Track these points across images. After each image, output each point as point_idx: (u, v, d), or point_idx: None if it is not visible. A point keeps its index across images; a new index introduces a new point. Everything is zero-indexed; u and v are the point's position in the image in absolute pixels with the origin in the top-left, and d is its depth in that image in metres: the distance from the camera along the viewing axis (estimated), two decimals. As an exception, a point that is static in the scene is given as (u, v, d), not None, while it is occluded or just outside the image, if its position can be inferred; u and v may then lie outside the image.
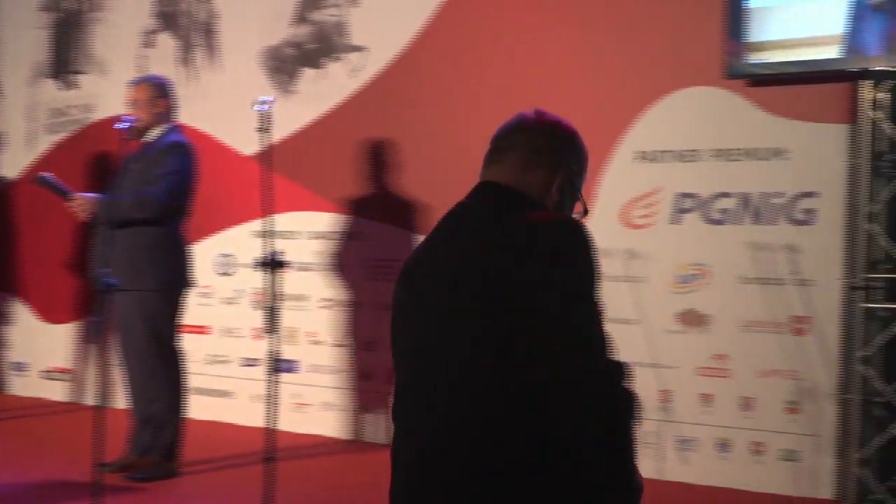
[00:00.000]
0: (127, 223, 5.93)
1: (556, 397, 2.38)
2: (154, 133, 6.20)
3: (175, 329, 6.20)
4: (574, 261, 2.47)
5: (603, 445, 2.43)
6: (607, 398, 2.43)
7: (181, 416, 6.19)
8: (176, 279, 6.20)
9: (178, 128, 6.33)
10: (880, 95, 5.70)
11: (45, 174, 6.16)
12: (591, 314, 2.47)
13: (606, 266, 6.36)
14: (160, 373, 6.12)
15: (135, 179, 6.04)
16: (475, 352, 2.44)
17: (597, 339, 2.45)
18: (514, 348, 2.40)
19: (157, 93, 6.26)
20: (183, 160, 6.15)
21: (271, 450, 4.97)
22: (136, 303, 6.00)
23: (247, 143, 7.43)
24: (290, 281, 7.52)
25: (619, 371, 2.49)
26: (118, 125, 5.54)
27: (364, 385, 7.36)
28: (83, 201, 6.00)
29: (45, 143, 9.12)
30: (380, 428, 7.26)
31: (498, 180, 2.72)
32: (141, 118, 6.11)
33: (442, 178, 7.06)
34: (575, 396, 2.39)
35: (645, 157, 6.38)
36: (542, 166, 2.71)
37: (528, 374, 2.39)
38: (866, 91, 5.68)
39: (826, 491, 5.85)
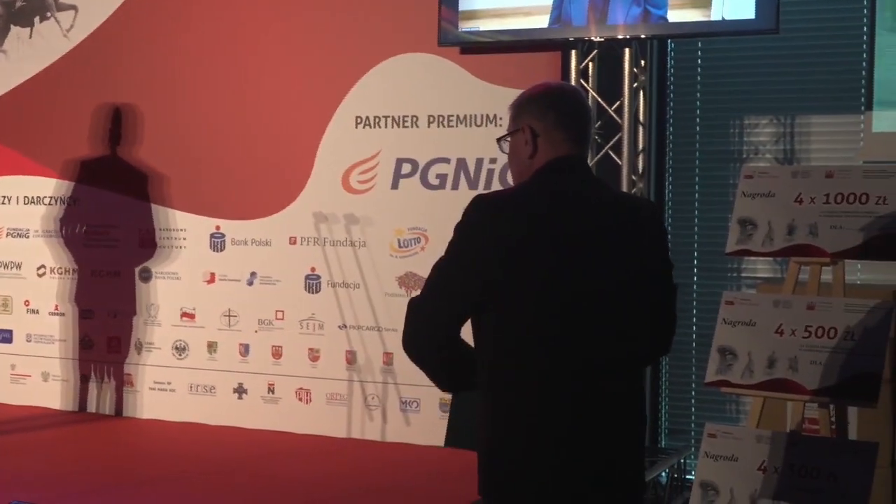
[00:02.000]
0: None
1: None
2: None
3: None
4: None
5: None
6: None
7: None
8: None
9: None
10: (588, 65, 5.88)
11: None
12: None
13: (329, 231, 6.42)
14: None
15: None
16: (626, 282, 2.94)
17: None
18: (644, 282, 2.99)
19: None
20: None
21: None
22: None
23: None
24: (3, 248, 7.30)
25: None
26: None
27: (85, 354, 7.19)
28: None
29: None
30: (102, 398, 7.12)
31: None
32: None
33: (158, 142, 6.96)
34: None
35: (364, 122, 6.40)
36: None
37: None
38: (574, 60, 5.84)
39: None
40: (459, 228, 2.92)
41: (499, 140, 3.10)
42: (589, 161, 5.78)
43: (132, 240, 7.04)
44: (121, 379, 7.08)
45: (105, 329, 7.13)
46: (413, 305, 2.93)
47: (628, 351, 2.96)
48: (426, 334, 2.94)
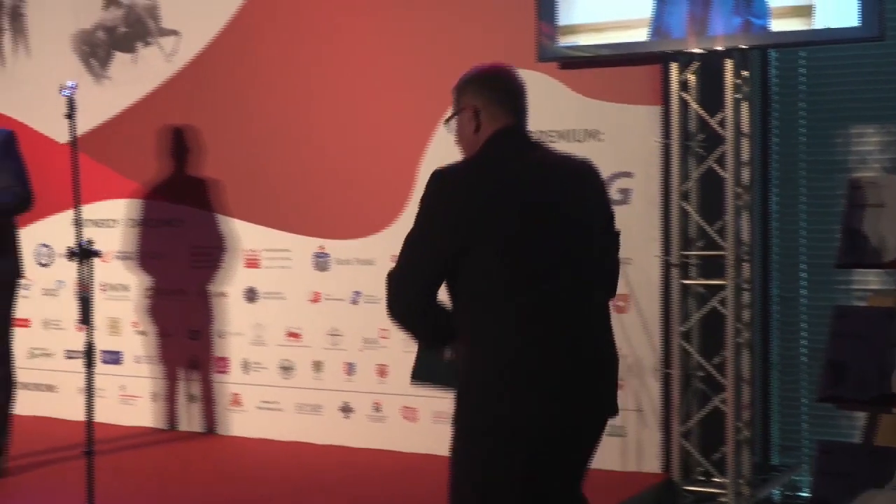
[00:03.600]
0: None
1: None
2: None
3: (11, 322, 6.16)
4: None
5: None
6: None
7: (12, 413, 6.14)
8: (18, 271, 6.14)
9: None
10: (688, 77, 5.83)
11: None
12: None
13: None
14: (7, 367, 6.07)
15: None
16: (585, 227, 3.41)
17: None
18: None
19: None
20: (20, 151, 6.10)
21: (90, 443, 4.91)
22: None
23: (60, 130, 7.23)
24: (110, 270, 7.41)
25: None
26: None
27: (192, 374, 7.28)
28: None
29: None
30: (209, 418, 7.20)
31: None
32: None
33: (261, 162, 7.02)
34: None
35: (463, 140, 6.40)
36: None
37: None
38: (675, 73, 5.79)
39: (653, 465, 6.00)
40: (425, 200, 3.33)
41: (446, 121, 3.60)
42: (692, 174, 5.79)
43: (237, 260, 7.11)
44: (228, 399, 7.15)
45: (212, 349, 7.21)
46: (391, 276, 3.36)
47: (595, 289, 3.43)
48: (406, 301, 3.36)
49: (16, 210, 6.00)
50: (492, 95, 3.50)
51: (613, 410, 3.48)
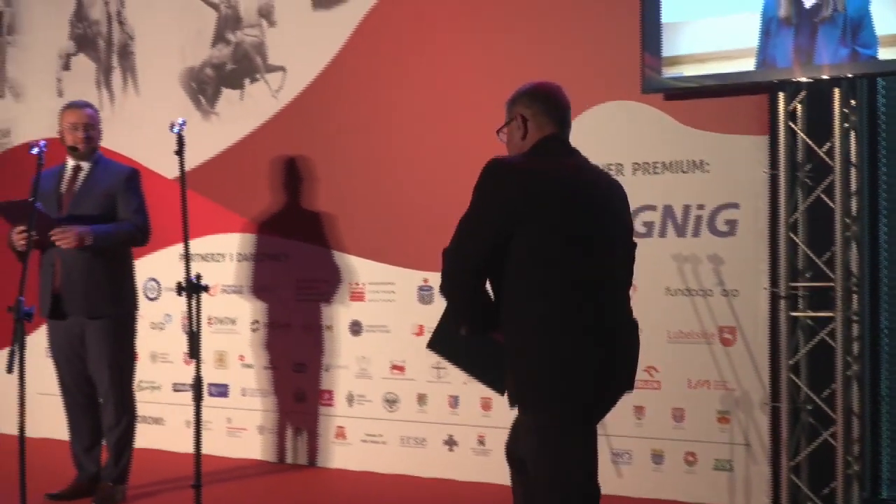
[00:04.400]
0: (105, 252, 6.06)
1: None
2: (90, 158, 6.27)
3: (133, 355, 6.36)
4: None
5: None
6: None
7: (133, 444, 6.30)
8: (136, 304, 6.36)
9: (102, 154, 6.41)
10: (796, 106, 5.76)
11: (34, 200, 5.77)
12: None
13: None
14: (126, 398, 6.20)
15: (102, 205, 6.13)
16: (614, 224, 3.93)
17: None
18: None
19: (99, 119, 6.39)
20: (142, 187, 6.35)
21: (198, 476, 4.94)
22: (111, 328, 6.13)
23: (170, 167, 7.36)
24: (218, 304, 7.51)
25: None
26: (32, 150, 5.52)
27: (298, 407, 7.33)
28: (72, 231, 5.92)
29: (-35, 169, 8.99)
30: (314, 450, 7.24)
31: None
32: (93, 142, 6.27)
33: (365, 196, 7.07)
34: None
35: (568, 172, 6.39)
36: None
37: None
38: (781, 103, 5.73)
39: (760, 500, 5.90)
40: (479, 185, 3.79)
41: (498, 131, 4.09)
42: (800, 205, 5.71)
43: (342, 293, 7.16)
44: (333, 431, 7.19)
45: (317, 382, 7.25)
46: (446, 252, 3.77)
47: (625, 279, 4.02)
48: (458, 274, 3.76)
49: (133, 241, 6.21)
50: (540, 107, 3.96)
51: (630, 385, 3.99)
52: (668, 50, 5.91)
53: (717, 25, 5.84)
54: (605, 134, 6.26)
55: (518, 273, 3.71)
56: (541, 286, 3.69)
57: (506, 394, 3.81)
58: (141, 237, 6.22)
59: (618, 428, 6.21)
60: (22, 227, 5.88)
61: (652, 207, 6.18)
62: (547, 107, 3.97)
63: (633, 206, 6.03)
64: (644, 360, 6.03)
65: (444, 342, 4.09)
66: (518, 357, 3.73)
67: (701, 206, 6.06)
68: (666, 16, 5.91)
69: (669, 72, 5.93)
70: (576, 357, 3.66)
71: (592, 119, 6.29)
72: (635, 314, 6.16)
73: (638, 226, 6.17)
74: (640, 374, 6.05)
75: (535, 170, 3.77)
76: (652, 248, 6.14)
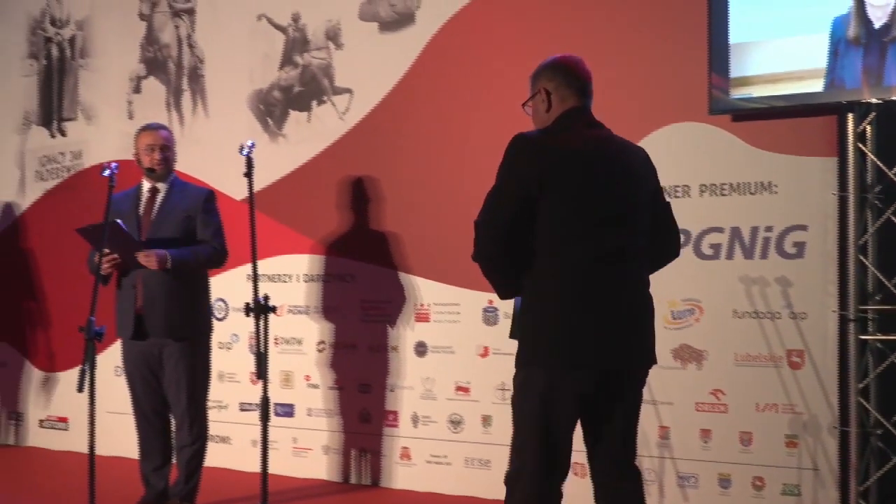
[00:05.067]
0: (185, 273, 6.14)
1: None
2: (166, 180, 6.32)
3: (208, 375, 6.43)
4: None
5: None
6: None
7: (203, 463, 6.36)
8: (211, 325, 6.45)
9: (178, 176, 6.48)
10: (865, 128, 5.71)
11: (119, 221, 5.93)
12: None
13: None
14: (200, 418, 6.27)
15: (181, 227, 6.19)
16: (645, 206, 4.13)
17: None
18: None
19: (174, 140, 6.46)
20: (217, 208, 6.42)
21: (265, 496, 4.98)
22: (188, 349, 6.19)
23: (238, 188, 7.43)
24: (284, 324, 7.56)
25: None
26: (104, 172, 5.60)
27: (363, 428, 7.35)
28: (153, 254, 6.00)
29: (37, 190, 9.12)
30: (378, 471, 7.25)
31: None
32: (167, 164, 6.32)
33: (431, 218, 7.09)
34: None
35: (634, 193, 6.37)
36: None
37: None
38: (850, 124, 5.68)
39: (828, 525, 5.85)
40: (505, 157, 4.03)
41: (523, 105, 4.30)
42: (870, 227, 5.65)
43: (408, 314, 7.18)
44: (398, 452, 7.20)
45: (382, 403, 7.27)
46: (478, 223, 4.01)
47: (644, 245, 4.11)
48: (486, 244, 4.00)
49: (212, 263, 6.28)
50: (562, 80, 4.17)
51: (647, 360, 4.19)
52: (735, 71, 5.88)
53: (785, 46, 5.81)
54: (673, 155, 6.23)
55: (538, 243, 3.94)
56: (555, 260, 3.92)
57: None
58: (218, 259, 6.29)
59: (684, 451, 6.17)
60: (107, 250, 5.96)
61: (719, 230, 6.14)
62: (569, 79, 4.17)
63: (700, 227, 6.16)
64: (711, 383, 6.08)
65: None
66: (519, 319, 4.09)
67: (769, 229, 6.01)
68: (734, 37, 5.89)
69: (737, 93, 5.90)
70: (564, 322, 3.91)
71: (660, 140, 6.27)
72: (700, 336, 6.16)
73: (705, 248, 6.16)
74: (707, 398, 6.08)
75: (556, 143, 4.00)
76: (719, 271, 6.11)
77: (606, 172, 4.00)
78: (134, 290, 6.14)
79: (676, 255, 4.42)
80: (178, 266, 6.05)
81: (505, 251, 3.97)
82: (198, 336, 6.26)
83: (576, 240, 3.92)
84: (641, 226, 4.09)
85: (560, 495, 4.17)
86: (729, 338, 6.08)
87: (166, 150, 6.29)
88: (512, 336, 4.40)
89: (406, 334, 7.21)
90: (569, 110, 4.14)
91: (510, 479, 4.13)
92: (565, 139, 4.02)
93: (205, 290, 6.38)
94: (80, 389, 5.22)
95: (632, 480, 4.16)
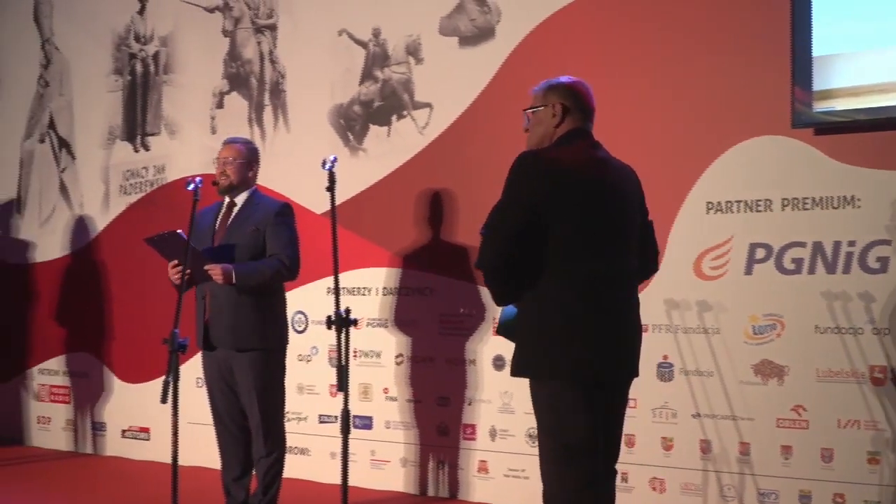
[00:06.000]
0: (251, 287, 6.12)
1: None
2: (243, 195, 6.33)
3: (282, 387, 6.41)
4: None
5: None
6: None
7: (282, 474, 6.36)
8: (286, 338, 6.40)
9: (258, 190, 6.47)
10: (952, 141, 5.66)
11: (180, 231, 5.94)
12: None
13: (681, 318, 6.35)
14: (275, 430, 6.27)
15: (250, 241, 6.18)
16: (632, 213, 4.44)
17: None
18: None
19: (252, 157, 6.42)
20: (294, 222, 6.38)
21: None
22: (258, 362, 6.18)
23: (319, 202, 7.50)
24: (363, 337, 7.60)
25: None
26: (189, 186, 5.67)
27: (441, 441, 7.36)
28: (217, 268, 6.02)
29: (121, 204, 9.25)
30: (455, 484, 7.26)
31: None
32: (230, 178, 6.28)
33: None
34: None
35: (716, 208, 6.34)
36: None
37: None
38: (938, 137, 5.63)
39: (911, 543, 5.77)
40: (511, 175, 4.25)
41: (525, 111, 4.58)
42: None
43: (485, 328, 7.19)
44: (475, 465, 7.20)
45: (460, 416, 7.29)
46: (485, 234, 4.25)
47: (637, 265, 4.41)
48: (491, 255, 4.21)
49: (280, 276, 6.20)
50: (575, 102, 4.44)
51: (636, 372, 4.41)
52: (819, 84, 5.84)
53: (869, 58, 5.77)
54: (754, 169, 6.21)
55: (545, 258, 4.18)
56: (558, 280, 4.17)
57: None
58: (287, 273, 6.21)
59: (764, 467, 6.12)
60: (175, 262, 6.04)
61: (801, 244, 6.09)
62: (581, 103, 4.46)
63: (782, 242, 6.12)
64: (792, 399, 6.03)
65: (506, 329, 4.50)
66: (525, 332, 4.29)
67: (852, 243, 5.95)
68: (817, 49, 5.85)
69: (820, 106, 5.86)
70: (575, 360, 4.17)
71: (741, 154, 6.25)
72: (782, 352, 6.14)
73: (787, 263, 6.11)
74: (788, 414, 6.03)
75: (564, 163, 4.24)
76: (801, 285, 6.06)
77: (609, 194, 4.32)
78: (203, 302, 6.21)
79: (656, 269, 4.74)
80: (243, 280, 6.05)
81: (508, 263, 4.20)
82: (268, 349, 6.23)
83: (583, 258, 4.20)
84: (634, 246, 4.42)
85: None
86: (811, 353, 6.03)
87: (227, 164, 6.28)
88: (502, 333, 4.59)
89: (484, 348, 7.22)
90: (576, 129, 4.42)
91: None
92: (572, 159, 4.28)
93: (277, 302, 6.34)
94: (164, 400, 5.30)
95: (613, 480, 4.39)
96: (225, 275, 5.99)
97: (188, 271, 5.85)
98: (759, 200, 6.18)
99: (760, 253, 6.19)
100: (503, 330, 4.49)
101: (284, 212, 6.32)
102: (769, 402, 6.13)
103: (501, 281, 4.27)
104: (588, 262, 4.20)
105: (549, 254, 4.18)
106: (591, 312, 4.19)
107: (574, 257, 4.18)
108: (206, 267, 5.97)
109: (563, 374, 4.18)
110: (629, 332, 4.37)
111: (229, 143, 6.42)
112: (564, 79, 4.54)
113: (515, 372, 4.36)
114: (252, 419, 6.23)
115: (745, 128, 6.26)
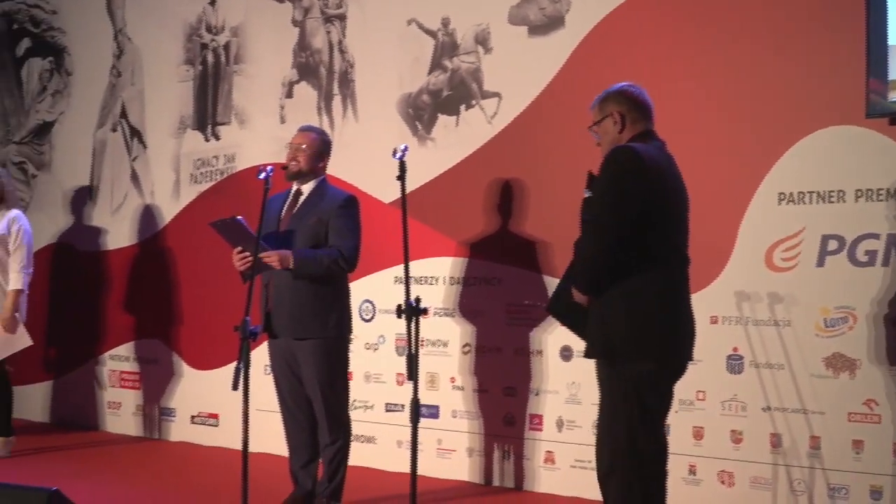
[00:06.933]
0: (309, 275, 6.13)
1: None
2: (311, 184, 6.35)
3: (346, 375, 6.45)
4: None
5: None
6: None
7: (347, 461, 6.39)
8: (348, 327, 6.42)
9: (327, 180, 6.48)
10: None
11: (240, 218, 6.03)
12: None
13: (751, 310, 6.28)
14: (339, 418, 6.30)
15: (312, 231, 6.21)
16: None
17: None
18: None
19: (324, 148, 6.45)
20: (359, 214, 6.38)
21: (413, 497, 5.01)
22: (320, 350, 6.21)
23: (387, 191, 7.52)
24: (431, 326, 7.59)
25: None
26: (260, 175, 5.71)
27: (507, 431, 7.35)
28: (276, 254, 6.06)
29: (191, 193, 9.32)
30: (521, 474, 7.25)
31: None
32: (299, 164, 6.31)
33: (577, 222, 7.04)
34: None
35: (787, 199, 6.27)
36: None
37: None
38: None
39: (984, 540, 5.68)
40: (615, 168, 4.55)
41: (590, 128, 4.87)
42: None
43: (553, 318, 7.15)
44: (542, 456, 7.19)
45: (526, 406, 7.27)
46: (588, 224, 4.62)
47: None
48: (600, 243, 4.52)
49: (336, 266, 6.18)
50: (632, 105, 4.74)
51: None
52: (894, 73, 5.75)
53: (946, 48, 5.67)
54: (827, 159, 6.13)
55: (631, 260, 4.51)
56: (646, 276, 4.55)
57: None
58: (345, 264, 6.20)
59: (835, 462, 6.04)
60: (239, 248, 6.08)
61: (875, 236, 6.00)
62: (638, 105, 4.75)
63: (855, 234, 6.04)
64: (864, 393, 5.96)
65: (561, 307, 4.97)
66: (615, 318, 4.60)
67: (926, 235, 5.87)
68: (893, 38, 5.76)
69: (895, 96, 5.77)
70: (664, 320, 4.62)
71: (814, 144, 6.18)
72: (854, 345, 6.10)
73: (860, 254, 6.02)
74: (860, 408, 5.96)
75: (654, 159, 4.54)
76: (874, 277, 5.98)
77: (682, 190, 4.75)
78: (266, 290, 6.24)
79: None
80: (301, 266, 6.07)
81: (611, 252, 4.53)
82: (330, 337, 6.24)
83: (675, 248, 4.67)
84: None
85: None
86: (883, 347, 5.94)
87: (297, 150, 6.31)
88: (552, 310, 5.14)
89: (551, 338, 7.20)
90: (643, 132, 4.71)
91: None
92: (656, 156, 4.59)
93: (340, 291, 6.33)
94: (235, 387, 5.34)
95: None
96: (282, 260, 6.02)
97: (250, 258, 5.90)
98: (832, 191, 6.10)
99: (833, 245, 6.11)
100: (563, 308, 4.87)
101: (349, 204, 6.32)
102: (841, 395, 6.05)
103: (602, 269, 4.54)
104: (677, 252, 4.67)
105: (647, 243, 4.51)
106: (680, 301, 4.68)
107: (669, 248, 4.61)
108: (261, 255, 5.97)
109: (660, 357, 4.64)
110: (693, 325, 4.88)
111: (304, 130, 6.45)
112: (616, 87, 4.81)
113: (602, 354, 4.77)
114: (317, 407, 6.26)
115: (818, 117, 6.18)
